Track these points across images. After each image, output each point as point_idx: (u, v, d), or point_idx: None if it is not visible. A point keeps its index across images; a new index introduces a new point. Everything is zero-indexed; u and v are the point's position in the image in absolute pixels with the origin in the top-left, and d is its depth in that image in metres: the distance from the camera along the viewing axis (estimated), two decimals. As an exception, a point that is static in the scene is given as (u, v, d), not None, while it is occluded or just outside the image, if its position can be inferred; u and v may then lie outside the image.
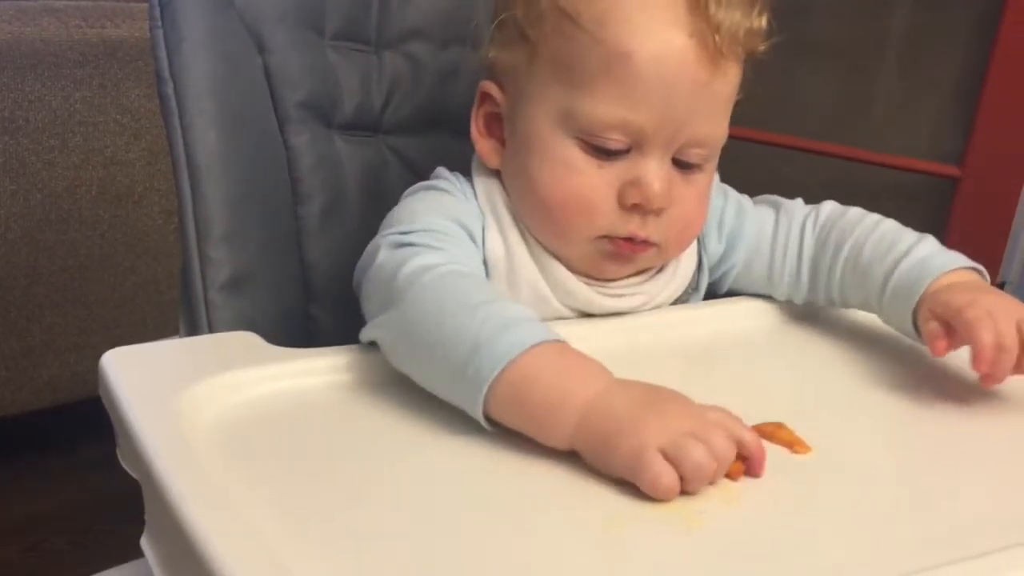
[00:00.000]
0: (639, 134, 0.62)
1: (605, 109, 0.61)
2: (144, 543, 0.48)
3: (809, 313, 0.75)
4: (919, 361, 0.67)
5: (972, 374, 0.61)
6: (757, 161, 1.57)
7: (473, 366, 0.52)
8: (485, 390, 0.52)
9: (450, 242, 0.63)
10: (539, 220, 0.67)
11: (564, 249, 0.67)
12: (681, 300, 0.74)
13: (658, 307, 0.71)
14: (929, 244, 0.69)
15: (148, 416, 0.50)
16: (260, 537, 0.41)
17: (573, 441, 0.51)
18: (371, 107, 0.80)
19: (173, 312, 1.42)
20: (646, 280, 0.70)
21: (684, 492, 0.48)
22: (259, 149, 0.72)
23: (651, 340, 0.67)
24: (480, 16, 0.74)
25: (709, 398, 0.54)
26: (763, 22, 0.64)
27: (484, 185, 0.69)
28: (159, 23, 0.68)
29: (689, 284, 0.74)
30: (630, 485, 0.49)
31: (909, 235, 0.70)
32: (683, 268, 0.73)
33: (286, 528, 0.44)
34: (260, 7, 0.73)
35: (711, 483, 0.49)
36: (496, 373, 0.51)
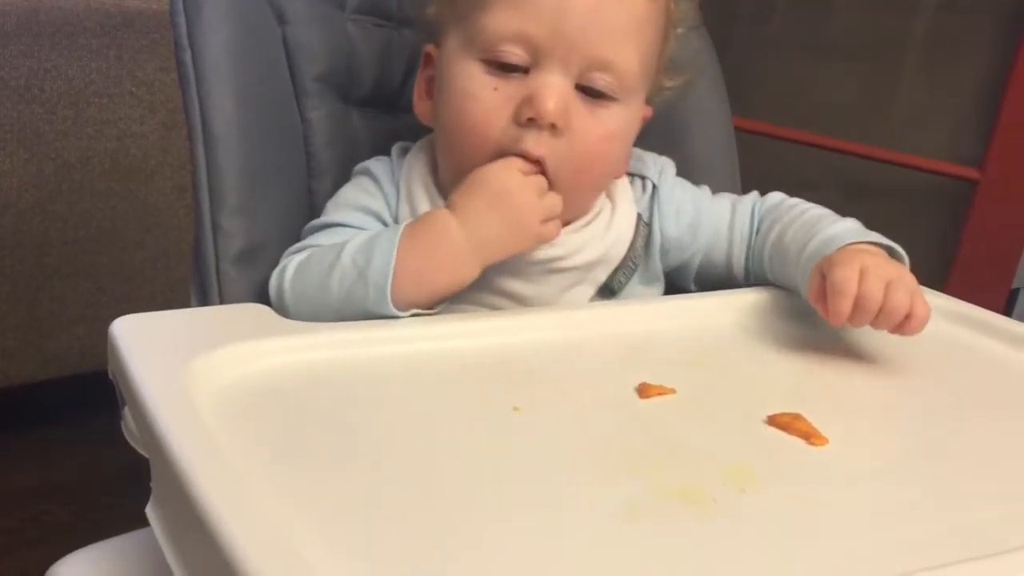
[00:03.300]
0: (535, 49, 0.64)
1: (500, 22, 0.64)
2: (149, 511, 0.47)
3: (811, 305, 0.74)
4: (935, 352, 0.67)
5: (991, 367, 0.61)
6: (775, 157, 1.56)
7: (371, 278, 0.61)
8: (390, 283, 0.60)
9: (341, 234, 0.67)
10: (444, 155, 0.69)
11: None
12: (625, 267, 0.73)
13: (586, 264, 0.71)
14: (843, 225, 0.71)
15: (157, 384, 0.50)
16: (267, 508, 0.41)
17: (477, 268, 0.64)
18: (390, 83, 0.80)
19: (182, 286, 1.42)
20: (566, 233, 0.70)
21: None
22: (276, 121, 0.72)
23: (646, 330, 0.66)
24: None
25: (718, 389, 0.55)
26: None
27: (411, 160, 0.72)
28: (179, -10, 0.67)
29: (630, 253, 0.73)
30: (647, 472, 0.48)
31: (830, 218, 0.72)
32: (616, 230, 0.73)
33: (292, 499, 0.43)
34: (282, -22, 0.72)
35: None
36: (392, 267, 0.60)
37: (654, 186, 0.76)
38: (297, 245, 0.68)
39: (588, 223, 0.72)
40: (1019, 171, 1.41)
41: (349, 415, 0.53)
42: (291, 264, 0.65)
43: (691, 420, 0.54)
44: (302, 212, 0.74)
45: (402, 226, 0.64)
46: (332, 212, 0.70)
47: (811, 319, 0.72)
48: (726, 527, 0.44)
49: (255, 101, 0.69)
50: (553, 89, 0.64)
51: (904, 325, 0.62)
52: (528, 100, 0.64)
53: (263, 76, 0.70)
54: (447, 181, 0.70)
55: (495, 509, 0.45)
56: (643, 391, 0.56)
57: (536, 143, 0.65)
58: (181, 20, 0.67)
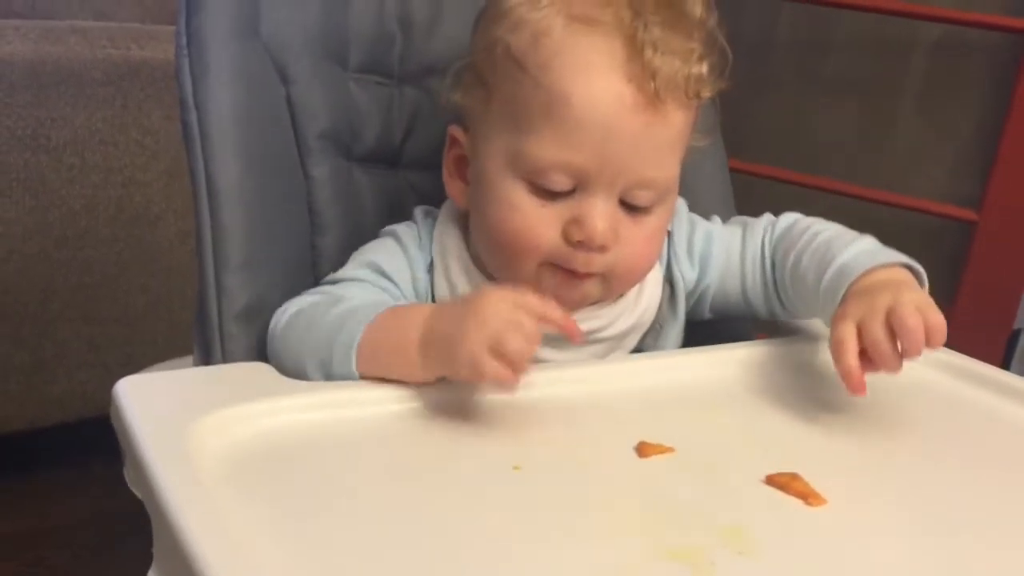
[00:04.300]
0: (581, 174, 0.63)
1: (547, 150, 0.63)
2: (151, 577, 0.48)
3: (811, 360, 0.74)
4: (934, 409, 0.67)
5: (990, 423, 0.61)
6: (771, 198, 1.56)
7: (339, 341, 0.61)
8: (355, 349, 0.60)
9: (351, 287, 0.68)
10: (490, 254, 0.70)
11: (515, 282, 0.67)
12: (653, 329, 0.75)
13: (620, 334, 0.73)
14: (853, 250, 0.69)
15: (160, 447, 0.50)
16: (269, 574, 0.41)
17: (426, 373, 0.60)
18: (391, 140, 0.81)
19: (184, 332, 1.42)
20: (603, 307, 0.72)
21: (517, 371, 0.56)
22: (280, 179, 0.72)
23: (647, 386, 0.67)
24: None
25: (717, 447, 0.55)
26: (703, 69, 0.64)
27: (441, 232, 0.72)
28: (185, 51, 0.69)
29: (658, 315, 0.75)
30: (644, 533, 0.48)
31: (843, 240, 0.71)
32: (647, 297, 0.74)
33: (295, 565, 0.44)
34: (286, 38, 0.73)
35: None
36: (359, 337, 0.60)
37: (668, 232, 0.77)
38: (306, 292, 0.69)
39: (621, 296, 0.73)
40: (1018, 212, 1.42)
41: (350, 476, 0.53)
42: (287, 312, 0.66)
43: (689, 480, 0.54)
44: (305, 268, 0.74)
45: (385, 307, 0.64)
46: (348, 265, 0.71)
47: (811, 374, 0.73)
48: (724, 592, 0.45)
49: (259, 160, 0.70)
50: (601, 213, 0.64)
51: (929, 342, 0.61)
52: (577, 223, 0.64)
53: (267, 135, 0.71)
54: (485, 263, 0.71)
55: (493, 568, 0.45)
56: (642, 450, 0.57)
57: (586, 263, 0.65)
58: (187, 81, 0.68)
